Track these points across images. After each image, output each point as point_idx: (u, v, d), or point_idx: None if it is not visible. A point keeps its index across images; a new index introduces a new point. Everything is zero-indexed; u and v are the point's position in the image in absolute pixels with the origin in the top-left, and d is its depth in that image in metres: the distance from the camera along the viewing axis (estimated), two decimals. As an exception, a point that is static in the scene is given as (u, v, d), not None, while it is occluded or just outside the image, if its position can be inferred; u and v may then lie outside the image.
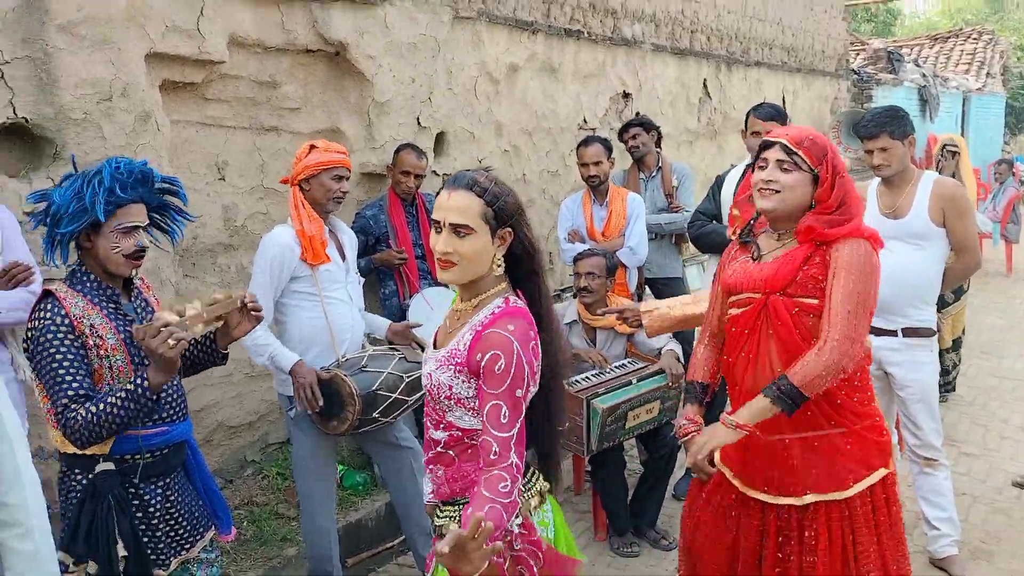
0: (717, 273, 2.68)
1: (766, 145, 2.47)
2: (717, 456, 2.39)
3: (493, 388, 1.90)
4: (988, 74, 17.80)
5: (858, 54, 14.15)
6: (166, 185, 2.46)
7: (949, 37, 19.47)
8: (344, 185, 3.33)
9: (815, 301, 2.37)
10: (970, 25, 21.99)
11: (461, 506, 2.06)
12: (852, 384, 2.45)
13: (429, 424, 2.08)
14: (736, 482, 2.57)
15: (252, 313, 2.44)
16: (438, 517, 2.14)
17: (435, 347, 2.13)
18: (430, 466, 2.11)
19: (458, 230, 1.97)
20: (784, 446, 2.46)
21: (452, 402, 2.00)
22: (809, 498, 2.43)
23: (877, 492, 2.47)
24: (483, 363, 1.92)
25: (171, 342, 2.11)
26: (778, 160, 2.42)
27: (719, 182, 4.54)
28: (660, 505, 4.17)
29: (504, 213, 2.00)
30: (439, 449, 2.07)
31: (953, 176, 6.44)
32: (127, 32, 3.43)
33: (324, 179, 3.27)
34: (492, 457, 1.88)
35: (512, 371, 1.90)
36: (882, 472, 2.47)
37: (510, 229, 2.02)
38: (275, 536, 3.86)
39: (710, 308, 2.71)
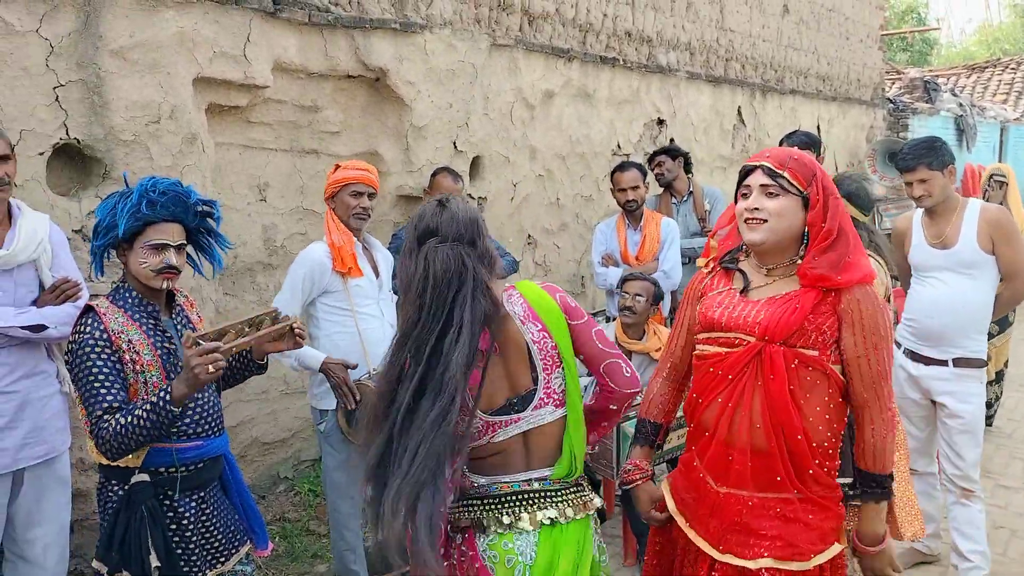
0: (687, 298, 2.37)
1: (747, 171, 2.19)
2: (671, 503, 2.25)
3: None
4: (1027, 104, 17.60)
5: (894, 83, 14.08)
6: (204, 208, 2.49)
7: (987, 67, 19.30)
8: (364, 201, 3.40)
9: (815, 353, 2.09)
10: (1008, 55, 21.79)
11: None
12: (827, 452, 2.16)
13: None
14: (689, 532, 2.26)
15: (297, 338, 2.50)
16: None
17: None
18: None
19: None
20: (742, 502, 2.17)
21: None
22: (764, 562, 2.11)
23: (827, 568, 2.15)
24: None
25: (211, 368, 2.15)
26: (762, 185, 2.13)
27: None
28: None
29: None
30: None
31: (1001, 205, 6.38)
32: (176, 57, 3.54)
33: (343, 196, 3.38)
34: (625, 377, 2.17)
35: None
36: (837, 548, 2.16)
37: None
38: (306, 552, 3.90)
39: (674, 336, 2.40)
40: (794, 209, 2.12)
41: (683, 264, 5.28)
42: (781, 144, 4.34)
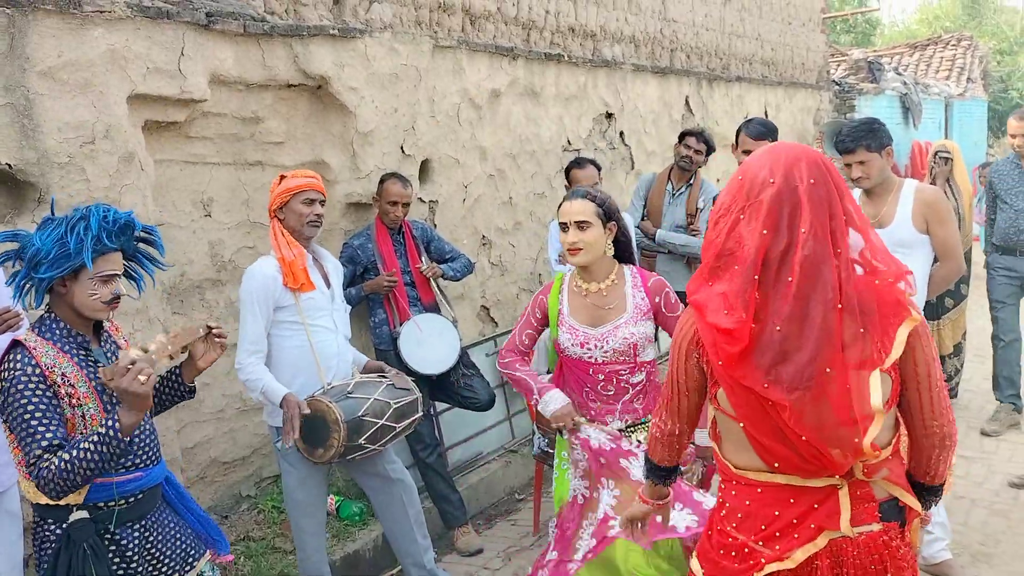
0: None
1: None
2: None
3: (674, 312, 2.94)
4: (969, 79, 17.96)
5: (839, 65, 14.27)
6: (145, 235, 2.46)
7: (928, 45, 19.65)
8: (317, 208, 3.37)
9: None
10: (948, 32, 22.21)
11: (645, 421, 3.02)
12: None
13: (624, 379, 2.96)
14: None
15: (216, 340, 2.44)
16: (635, 432, 3.00)
17: (592, 326, 2.94)
18: (631, 404, 2.99)
19: (580, 225, 2.86)
20: None
21: (647, 343, 2.95)
22: None
23: None
24: (663, 300, 2.96)
25: (141, 378, 2.09)
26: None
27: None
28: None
29: (610, 211, 2.91)
30: (638, 388, 3.00)
31: (948, 182, 6.49)
32: (108, 75, 3.47)
33: (295, 205, 3.33)
34: None
35: (674, 299, 2.95)
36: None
37: (614, 222, 2.94)
38: (272, 570, 3.85)
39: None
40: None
41: (661, 255, 5.31)
42: (739, 132, 4.36)
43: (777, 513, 1.85)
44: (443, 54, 5.22)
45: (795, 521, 1.84)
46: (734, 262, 1.79)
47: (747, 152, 4.25)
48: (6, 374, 2.20)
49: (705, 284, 1.85)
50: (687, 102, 8.14)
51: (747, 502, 1.90)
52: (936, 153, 6.97)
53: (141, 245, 2.47)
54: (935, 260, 3.75)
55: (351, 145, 4.64)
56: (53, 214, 2.35)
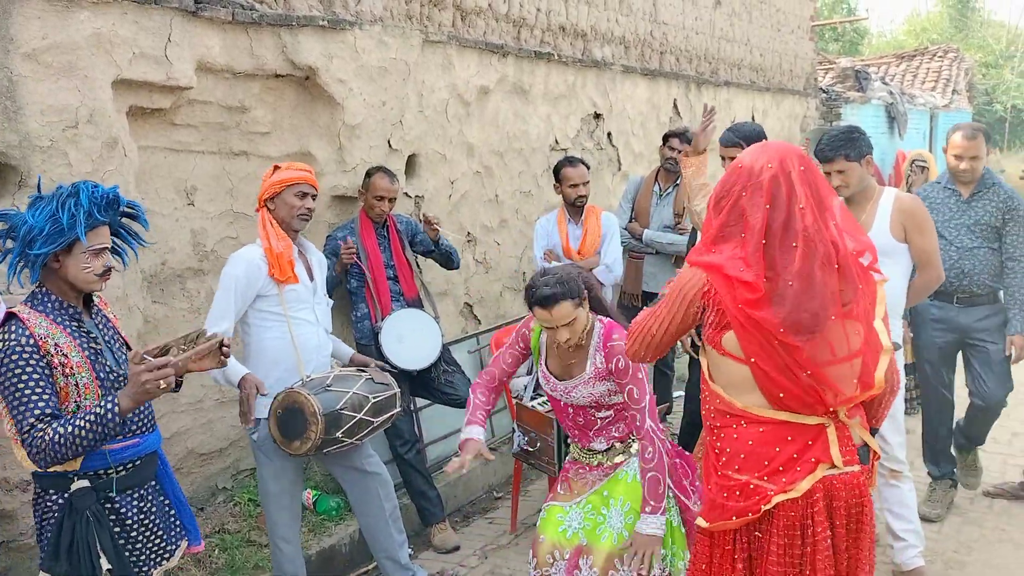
0: None
1: None
2: None
3: (623, 377, 2.95)
4: (954, 91, 18.12)
5: (826, 73, 14.35)
6: (129, 210, 2.52)
7: (915, 56, 19.80)
8: (308, 202, 3.37)
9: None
10: (935, 44, 22.41)
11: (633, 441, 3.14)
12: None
13: (590, 414, 3.12)
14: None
15: (222, 357, 2.49)
16: (620, 452, 3.16)
17: (559, 378, 3.10)
18: (603, 431, 3.14)
19: (568, 325, 2.91)
20: None
21: (612, 396, 3.04)
22: None
23: None
24: (614, 365, 2.96)
25: (162, 383, 2.20)
26: None
27: None
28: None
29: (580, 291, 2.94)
30: (608, 421, 3.13)
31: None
32: (93, 59, 3.42)
33: (287, 196, 3.32)
34: (637, 424, 2.95)
35: (632, 364, 2.91)
36: None
37: (587, 290, 3.00)
38: (247, 564, 3.82)
39: None
40: None
41: (648, 255, 5.33)
42: (725, 135, 4.36)
43: (778, 449, 2.15)
44: (433, 49, 5.20)
45: (795, 456, 2.14)
46: (737, 232, 2.15)
47: (722, 159, 4.28)
48: (1, 345, 2.25)
49: (708, 251, 2.19)
50: (675, 105, 8.16)
51: (749, 442, 2.18)
52: (913, 162, 7.04)
53: (125, 220, 2.55)
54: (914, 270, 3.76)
55: (338, 137, 4.61)
56: (40, 193, 2.39)
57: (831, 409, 2.15)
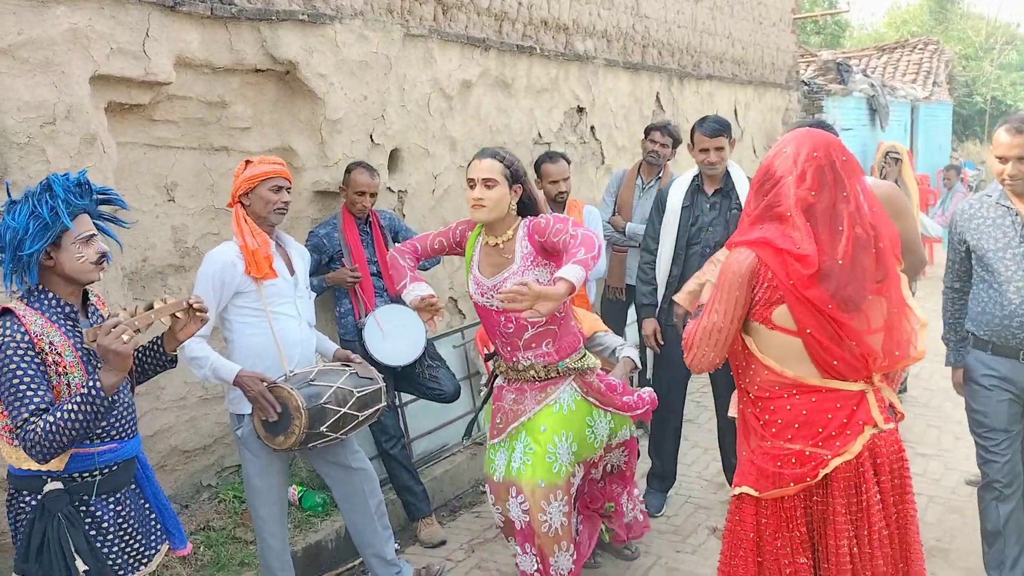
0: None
1: None
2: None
3: (544, 231, 3.00)
4: (935, 83, 18.24)
5: (808, 65, 14.42)
6: (102, 196, 2.52)
7: (896, 48, 19.93)
8: (284, 196, 3.33)
9: None
10: (915, 36, 22.53)
11: (569, 364, 3.21)
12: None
13: (521, 318, 3.02)
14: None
15: (198, 314, 2.50)
16: (553, 374, 3.22)
17: (488, 276, 3.11)
18: (535, 343, 3.14)
19: (487, 182, 2.99)
20: None
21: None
22: None
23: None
24: (547, 231, 2.98)
25: (124, 337, 2.17)
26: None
27: (662, 196, 4.54)
28: (621, 516, 4.18)
29: (516, 173, 3.05)
30: (541, 328, 3.11)
31: (896, 182, 6.58)
32: (70, 55, 3.39)
33: (262, 191, 3.28)
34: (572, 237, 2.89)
35: (553, 220, 2.99)
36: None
37: (520, 185, 3.07)
38: (232, 560, 3.81)
39: None
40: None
41: (632, 247, 5.34)
42: (693, 131, 4.38)
43: (830, 416, 2.32)
44: (414, 42, 5.18)
45: (845, 421, 2.32)
46: (782, 214, 2.30)
47: (704, 151, 4.28)
48: None
49: (755, 227, 2.34)
50: (658, 98, 8.17)
51: (804, 411, 2.34)
52: (887, 153, 7.11)
53: (104, 209, 2.54)
54: None
55: (319, 132, 4.59)
56: (9, 195, 2.40)
57: (869, 375, 2.36)
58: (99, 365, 2.35)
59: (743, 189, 4.26)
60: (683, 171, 4.75)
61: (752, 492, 2.39)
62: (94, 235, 2.40)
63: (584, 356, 3.31)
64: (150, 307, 2.39)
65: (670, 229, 4.40)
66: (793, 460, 2.33)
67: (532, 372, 3.23)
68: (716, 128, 4.28)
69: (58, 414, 2.19)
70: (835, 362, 2.30)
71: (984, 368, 3.40)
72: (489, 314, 3.20)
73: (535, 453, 3.14)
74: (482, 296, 3.17)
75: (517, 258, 3.08)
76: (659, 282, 4.47)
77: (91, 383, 2.21)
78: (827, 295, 2.24)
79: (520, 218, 3.16)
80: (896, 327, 2.36)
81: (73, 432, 2.20)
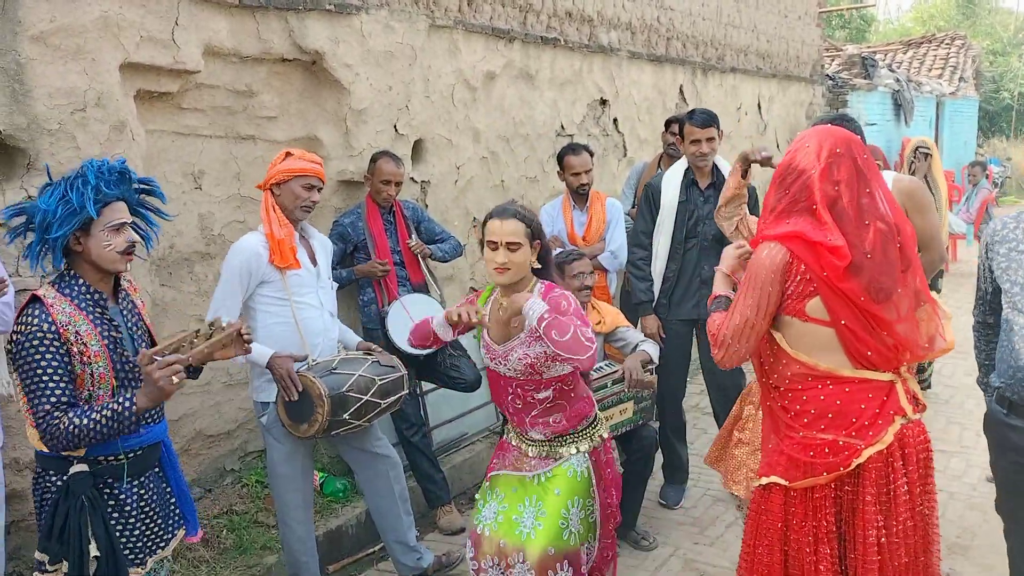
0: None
1: None
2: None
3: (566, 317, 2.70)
4: (961, 78, 18.03)
5: (833, 60, 14.30)
6: (143, 185, 2.52)
7: (922, 43, 19.70)
8: (315, 195, 3.37)
9: None
10: (942, 31, 22.28)
11: (580, 431, 2.96)
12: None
13: (529, 394, 2.88)
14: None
15: (246, 344, 2.50)
16: (562, 446, 2.94)
17: (498, 342, 2.88)
18: (543, 418, 2.91)
19: (511, 246, 2.77)
20: None
21: (549, 361, 2.78)
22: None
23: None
24: (553, 300, 2.76)
25: (174, 379, 2.20)
26: None
27: (653, 190, 4.50)
28: (639, 506, 4.19)
29: (537, 230, 2.84)
30: (549, 404, 2.90)
31: (925, 178, 6.53)
32: (101, 42, 3.43)
33: (294, 186, 3.31)
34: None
35: (573, 306, 2.75)
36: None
37: (539, 241, 2.86)
38: (255, 544, 3.85)
39: None
40: None
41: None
42: (683, 124, 4.37)
43: (863, 407, 2.34)
44: (439, 34, 5.19)
45: (877, 411, 2.34)
46: (807, 208, 2.31)
47: (695, 142, 4.26)
48: (23, 327, 2.26)
49: (781, 222, 2.35)
50: (681, 91, 8.14)
51: (837, 402, 2.35)
52: (917, 148, 7.04)
53: (143, 198, 2.53)
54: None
55: (344, 122, 4.62)
56: (51, 179, 2.41)
57: (899, 366, 2.39)
58: (124, 354, 2.38)
59: None
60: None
61: (781, 482, 2.40)
62: (125, 224, 2.39)
63: (595, 423, 3.04)
64: (200, 334, 2.38)
65: (666, 225, 4.39)
66: (826, 450, 2.34)
67: (544, 449, 2.97)
68: (706, 119, 4.28)
69: (85, 420, 2.21)
70: (869, 352, 2.32)
71: (1010, 432, 2.67)
72: (498, 382, 2.97)
73: (547, 517, 2.86)
74: (492, 361, 2.93)
75: (526, 326, 2.80)
76: (655, 277, 4.46)
77: (127, 403, 2.22)
78: (860, 287, 2.27)
79: (535, 278, 2.92)
80: (924, 317, 2.38)
81: (95, 439, 2.23)
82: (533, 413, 2.92)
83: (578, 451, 2.94)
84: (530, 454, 2.97)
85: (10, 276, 2.98)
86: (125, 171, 2.42)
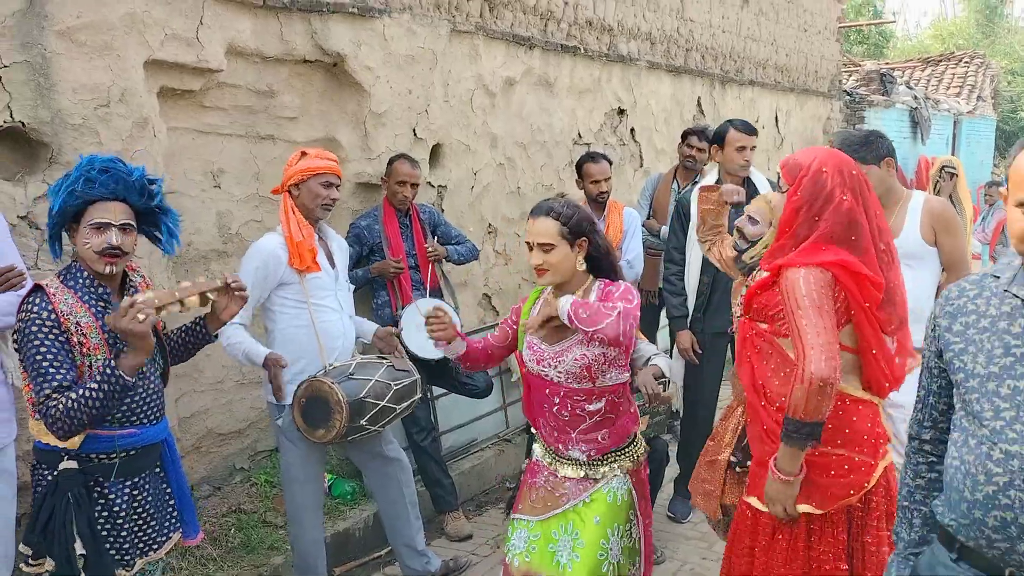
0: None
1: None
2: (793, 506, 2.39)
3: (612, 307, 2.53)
4: (979, 97, 17.96)
5: (851, 75, 14.26)
6: (150, 186, 2.42)
7: (941, 60, 19.64)
8: (333, 192, 3.36)
9: (764, 326, 2.54)
10: (961, 49, 22.20)
11: (622, 450, 2.75)
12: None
13: (579, 404, 2.65)
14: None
15: (237, 294, 2.49)
16: (602, 464, 2.72)
17: (550, 343, 2.67)
18: (590, 434, 2.69)
19: (544, 247, 2.61)
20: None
21: (606, 366, 2.63)
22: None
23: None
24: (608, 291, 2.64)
25: (140, 316, 2.17)
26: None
27: (684, 205, 4.48)
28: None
29: (578, 227, 2.63)
30: (599, 418, 2.68)
31: (950, 198, 6.49)
32: (126, 39, 3.45)
33: (313, 185, 3.31)
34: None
35: (636, 299, 2.60)
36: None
37: (585, 238, 2.65)
38: (262, 544, 3.85)
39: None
40: None
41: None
42: (726, 131, 4.32)
43: (869, 425, 2.42)
44: (460, 39, 5.20)
45: (879, 430, 2.43)
46: (846, 235, 2.34)
47: (740, 148, 4.22)
48: (24, 315, 2.27)
49: (819, 250, 2.33)
50: (699, 103, 8.13)
51: (854, 418, 2.41)
52: (943, 168, 6.99)
53: (156, 203, 2.46)
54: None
55: (364, 124, 4.63)
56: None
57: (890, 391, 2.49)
58: (125, 348, 2.34)
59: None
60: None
61: (815, 511, 2.36)
62: (109, 224, 2.29)
63: (635, 441, 2.83)
64: (183, 287, 2.37)
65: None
66: (845, 467, 2.37)
67: (582, 469, 2.73)
68: (750, 127, 4.29)
69: (79, 392, 2.20)
70: (886, 384, 2.40)
71: None
72: (542, 391, 2.72)
73: (585, 548, 2.64)
74: (537, 364, 2.69)
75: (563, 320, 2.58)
76: (689, 291, 4.44)
77: (110, 363, 2.22)
78: (891, 319, 2.36)
79: (592, 277, 2.72)
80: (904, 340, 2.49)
81: (92, 411, 2.21)
82: (581, 427, 2.69)
83: (621, 471, 2.72)
84: (568, 475, 2.72)
85: (28, 269, 2.99)
86: (118, 170, 2.32)
